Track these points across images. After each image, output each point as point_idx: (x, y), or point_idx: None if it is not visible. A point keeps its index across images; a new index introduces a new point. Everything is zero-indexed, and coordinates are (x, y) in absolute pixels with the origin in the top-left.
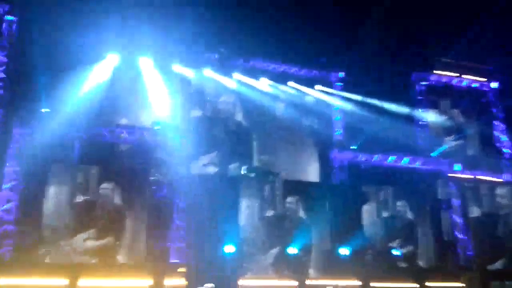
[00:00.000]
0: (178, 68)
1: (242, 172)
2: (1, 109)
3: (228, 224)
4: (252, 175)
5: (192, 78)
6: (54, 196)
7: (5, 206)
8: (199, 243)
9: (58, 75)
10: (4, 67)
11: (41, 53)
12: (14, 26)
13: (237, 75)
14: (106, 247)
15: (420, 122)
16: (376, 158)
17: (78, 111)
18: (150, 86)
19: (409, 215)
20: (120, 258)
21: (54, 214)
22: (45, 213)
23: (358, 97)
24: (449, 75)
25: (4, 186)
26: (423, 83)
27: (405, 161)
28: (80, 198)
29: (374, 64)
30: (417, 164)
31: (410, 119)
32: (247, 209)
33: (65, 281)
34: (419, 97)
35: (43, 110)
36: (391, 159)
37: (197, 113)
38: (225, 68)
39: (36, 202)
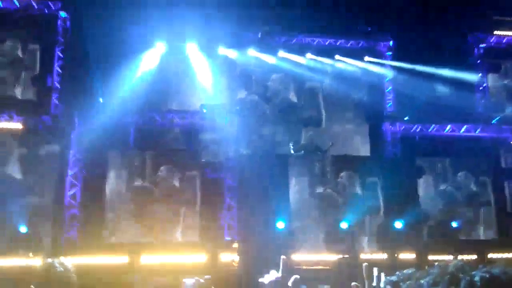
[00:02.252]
0: (223, 50)
1: (291, 150)
2: (61, 102)
3: (278, 201)
4: (301, 152)
5: (237, 59)
6: (114, 181)
7: (70, 192)
8: (250, 220)
9: (110, 66)
10: (61, 62)
11: (94, 46)
12: (67, 22)
13: (282, 53)
14: (164, 227)
15: (479, 88)
16: (432, 128)
17: (131, 99)
18: (197, 70)
19: (469, 186)
20: (178, 236)
21: (115, 198)
22: (107, 197)
23: (410, 66)
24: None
25: (69, 173)
26: (482, 45)
27: (463, 130)
28: (138, 181)
29: (426, 28)
30: (477, 132)
31: (468, 85)
32: (297, 186)
33: (126, 258)
34: (478, 61)
35: (100, 100)
36: (448, 128)
37: (243, 93)
38: (269, 46)
39: (98, 186)
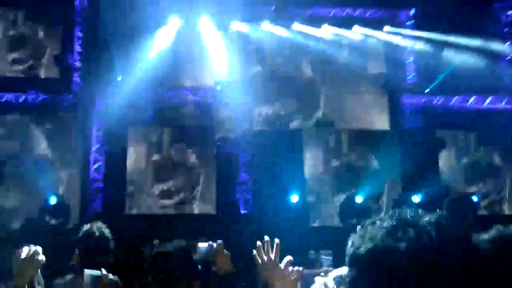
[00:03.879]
0: (236, 25)
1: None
2: (82, 80)
3: (292, 175)
4: (316, 126)
5: (251, 33)
6: (134, 155)
7: (94, 166)
8: (264, 194)
9: (128, 43)
10: (80, 42)
11: (111, 25)
12: (85, 2)
13: (296, 26)
14: (182, 200)
15: (506, 58)
16: (454, 100)
17: (148, 76)
18: (211, 46)
19: (493, 160)
20: (195, 209)
21: (135, 171)
22: (128, 170)
23: (432, 35)
24: None
25: (93, 148)
26: (509, 12)
27: (487, 102)
28: (156, 156)
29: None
30: (503, 104)
31: (493, 55)
32: (311, 160)
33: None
34: (505, 30)
35: (118, 77)
36: (471, 100)
37: (257, 68)
38: (283, 19)
39: (119, 161)
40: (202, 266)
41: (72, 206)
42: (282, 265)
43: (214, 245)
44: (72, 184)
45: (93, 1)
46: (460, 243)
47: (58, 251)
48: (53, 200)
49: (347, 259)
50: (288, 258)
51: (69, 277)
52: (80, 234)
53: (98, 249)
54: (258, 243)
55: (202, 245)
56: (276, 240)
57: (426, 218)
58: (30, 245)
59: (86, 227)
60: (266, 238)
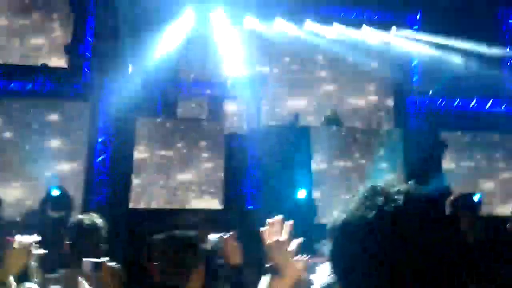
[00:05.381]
0: (249, 21)
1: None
2: (92, 70)
3: (300, 171)
4: (322, 124)
5: (263, 30)
6: (141, 148)
7: (99, 158)
8: (271, 189)
9: (139, 35)
10: (92, 31)
11: (123, 16)
12: None
13: (308, 24)
14: (189, 194)
15: (507, 63)
16: (457, 102)
17: (158, 68)
18: (223, 41)
19: (494, 161)
20: (202, 203)
21: (141, 164)
22: (134, 163)
23: (437, 39)
24: None
25: (99, 140)
26: (511, 20)
27: (489, 105)
28: (163, 150)
29: (455, 1)
30: (503, 108)
31: (495, 60)
32: (319, 157)
33: (152, 223)
34: (507, 36)
35: (129, 69)
36: (473, 103)
37: (268, 65)
38: (295, 17)
39: (125, 154)
40: (209, 255)
41: (75, 199)
42: (290, 248)
43: (225, 236)
44: (76, 176)
45: None
46: (423, 213)
47: (59, 245)
48: (55, 192)
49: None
50: (299, 240)
51: (61, 271)
52: (70, 223)
53: (88, 237)
54: (269, 220)
55: (213, 236)
56: (291, 221)
57: (396, 188)
58: (25, 235)
59: (78, 216)
60: (279, 217)
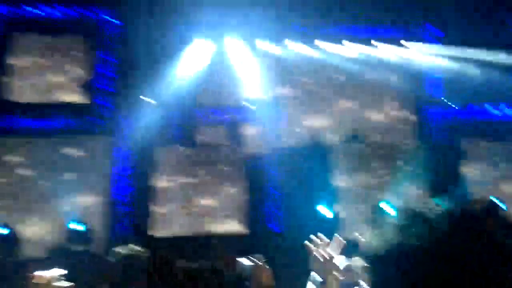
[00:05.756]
0: (261, 44)
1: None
2: (110, 104)
3: (322, 188)
4: (342, 141)
5: (276, 52)
6: (160, 176)
7: (119, 189)
8: (295, 210)
9: (155, 66)
10: (110, 67)
11: (140, 49)
12: (116, 29)
13: (318, 43)
14: (212, 220)
15: None
16: (477, 112)
17: (174, 96)
18: (237, 65)
19: None
20: (225, 228)
21: (162, 193)
22: (154, 192)
23: (453, 50)
24: None
25: (118, 172)
26: None
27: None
28: (183, 177)
29: (469, 9)
30: None
31: None
32: (340, 174)
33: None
34: None
35: (147, 99)
36: (493, 112)
37: (284, 86)
38: (306, 36)
39: (145, 183)
40: (239, 280)
41: (96, 231)
42: (338, 263)
43: (257, 260)
44: (96, 208)
45: (124, 27)
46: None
47: (84, 275)
48: (76, 227)
49: (364, 257)
50: (343, 259)
51: None
52: (118, 256)
53: (137, 270)
54: (320, 235)
55: (244, 261)
56: (340, 239)
57: (434, 210)
58: (53, 269)
59: (122, 249)
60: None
